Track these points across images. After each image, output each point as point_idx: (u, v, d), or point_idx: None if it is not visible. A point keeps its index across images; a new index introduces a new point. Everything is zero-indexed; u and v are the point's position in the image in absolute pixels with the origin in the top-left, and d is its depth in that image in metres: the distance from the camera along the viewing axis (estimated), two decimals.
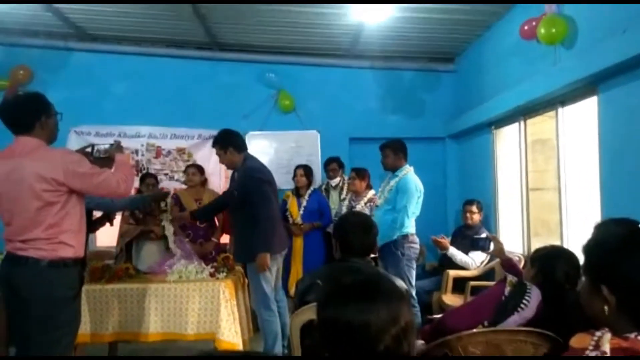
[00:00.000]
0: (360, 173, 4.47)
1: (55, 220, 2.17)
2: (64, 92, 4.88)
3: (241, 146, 3.42)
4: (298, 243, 4.49)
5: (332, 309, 1.03)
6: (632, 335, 0.95)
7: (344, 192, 4.73)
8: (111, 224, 3.11)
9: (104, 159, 2.53)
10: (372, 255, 3.39)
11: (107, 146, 2.63)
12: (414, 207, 3.67)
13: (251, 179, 3.31)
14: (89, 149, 2.61)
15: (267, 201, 3.29)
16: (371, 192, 4.45)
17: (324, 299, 1.08)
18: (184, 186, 4.71)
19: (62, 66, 5.29)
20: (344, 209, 4.44)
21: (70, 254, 2.22)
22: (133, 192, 4.38)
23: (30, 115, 2.23)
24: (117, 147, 2.60)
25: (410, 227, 3.66)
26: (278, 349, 3.36)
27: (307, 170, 4.64)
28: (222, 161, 3.55)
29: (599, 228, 1.64)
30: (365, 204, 4.37)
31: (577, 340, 1.02)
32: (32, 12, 4.56)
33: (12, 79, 5.07)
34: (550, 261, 2.03)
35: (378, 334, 0.95)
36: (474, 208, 4.56)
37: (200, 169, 4.44)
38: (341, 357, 0.98)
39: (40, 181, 2.13)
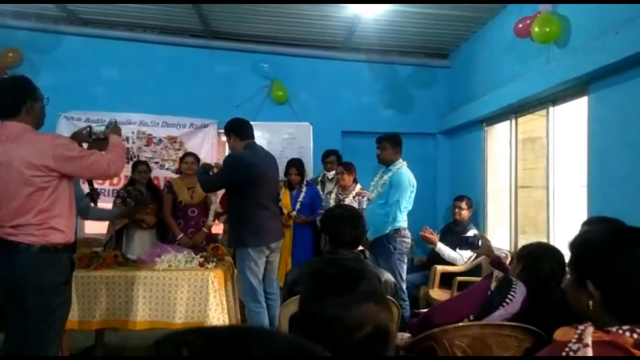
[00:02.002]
0: (347, 167, 4.47)
1: (45, 206, 2.15)
2: (54, 76, 4.83)
3: (243, 134, 3.37)
4: (287, 235, 4.49)
5: (309, 300, 1.05)
6: (614, 329, 0.98)
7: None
8: (95, 204, 3.05)
9: (101, 140, 2.51)
10: (360, 248, 3.41)
11: (103, 128, 2.61)
12: (407, 202, 3.69)
13: (226, 164, 3.34)
14: (86, 131, 2.58)
15: (219, 182, 3.34)
16: (358, 186, 4.46)
17: (304, 290, 1.10)
18: (174, 175, 4.69)
19: (52, 50, 5.22)
20: (332, 202, 4.44)
21: (61, 239, 2.21)
22: (124, 180, 4.36)
23: (16, 99, 2.19)
24: (113, 127, 2.57)
25: (402, 221, 3.69)
26: None
27: (300, 167, 4.61)
28: (229, 147, 3.55)
29: (586, 225, 1.66)
30: (354, 197, 4.38)
31: (561, 334, 1.04)
32: None
33: (0, 61, 4.98)
34: (536, 258, 2.06)
35: (346, 331, 0.96)
36: (464, 204, 4.60)
37: (197, 158, 4.41)
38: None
39: (30, 167, 2.11)
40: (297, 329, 1.79)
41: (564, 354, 0.99)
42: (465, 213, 4.59)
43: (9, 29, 5.07)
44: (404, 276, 3.75)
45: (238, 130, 3.38)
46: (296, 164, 4.61)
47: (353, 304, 0.98)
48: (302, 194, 4.56)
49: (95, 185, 2.99)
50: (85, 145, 2.52)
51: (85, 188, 3.08)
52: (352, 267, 1.18)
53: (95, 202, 2.98)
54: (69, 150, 2.20)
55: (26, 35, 5.13)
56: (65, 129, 4.58)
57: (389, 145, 3.78)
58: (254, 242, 3.28)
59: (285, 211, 4.48)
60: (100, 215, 3.63)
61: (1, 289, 2.24)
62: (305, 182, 4.67)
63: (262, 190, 3.32)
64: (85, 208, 3.10)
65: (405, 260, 3.75)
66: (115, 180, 4.78)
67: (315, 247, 4.48)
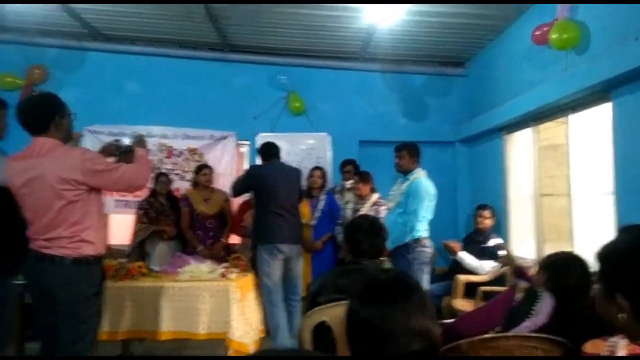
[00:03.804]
0: (363, 177, 4.47)
1: (76, 219, 2.21)
2: (78, 91, 4.96)
3: (265, 156, 4.02)
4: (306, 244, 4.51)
5: (367, 308, 1.01)
6: None
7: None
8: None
9: (128, 153, 2.58)
10: (382, 258, 3.41)
11: (129, 141, 2.68)
12: (426, 211, 3.65)
13: (244, 173, 4.13)
14: (113, 145, 2.67)
15: (238, 182, 3.99)
16: (375, 196, 4.45)
17: (356, 298, 1.06)
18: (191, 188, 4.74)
19: (76, 66, 5.37)
20: (349, 212, 4.44)
21: (92, 251, 2.26)
22: (147, 191, 4.44)
23: (45, 116, 2.26)
24: (139, 140, 2.63)
25: (422, 230, 3.65)
26: (280, 341, 3.60)
27: (323, 172, 4.68)
28: None
29: (622, 232, 1.63)
30: (371, 207, 4.37)
31: (591, 346, 1.03)
32: (47, 12, 4.63)
33: (28, 78, 5.15)
34: (562, 267, 2.04)
35: (404, 343, 0.95)
36: (486, 213, 4.55)
37: (212, 170, 4.48)
38: (363, 356, 0.98)
39: (61, 182, 2.17)
40: (326, 339, 1.79)
41: None
42: (488, 222, 4.54)
43: (35, 47, 5.23)
44: (427, 286, 3.72)
45: (262, 153, 4.08)
46: (320, 168, 4.72)
47: (413, 315, 0.96)
48: (322, 202, 4.58)
49: (119, 197, 3.06)
50: (112, 159, 2.59)
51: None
52: (406, 276, 1.15)
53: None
54: (97, 164, 2.26)
55: (51, 52, 5.29)
56: (90, 142, 4.69)
57: (407, 154, 3.77)
58: (263, 239, 3.75)
59: (304, 221, 4.51)
60: None
61: (36, 300, 2.31)
62: (325, 191, 4.69)
63: (272, 198, 3.77)
64: None
65: (427, 270, 3.70)
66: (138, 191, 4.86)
67: (335, 257, 4.49)
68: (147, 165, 2.52)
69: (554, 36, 3.46)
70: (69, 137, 2.40)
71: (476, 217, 4.62)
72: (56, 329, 2.24)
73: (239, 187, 3.98)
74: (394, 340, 0.96)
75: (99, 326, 2.45)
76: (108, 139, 5.04)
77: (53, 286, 2.21)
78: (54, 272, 2.20)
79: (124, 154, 2.60)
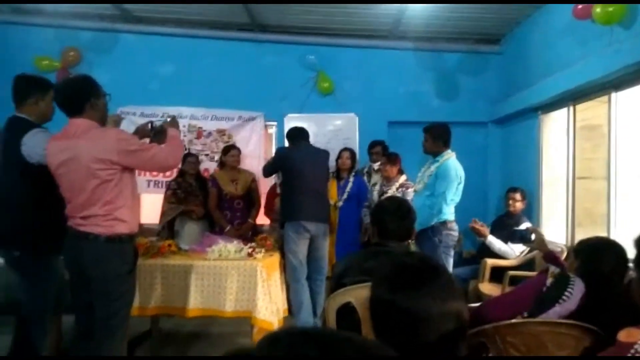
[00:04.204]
0: (391, 158, 4.40)
1: (110, 197, 2.27)
2: (111, 73, 5.04)
3: (292, 140, 4.10)
4: (332, 225, 4.52)
5: (393, 292, 0.99)
6: None
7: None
8: None
9: (160, 134, 2.63)
10: (409, 241, 3.37)
11: (161, 122, 2.73)
12: (453, 194, 3.58)
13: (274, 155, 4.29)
14: (147, 127, 2.71)
15: (268, 164, 4.20)
16: (403, 177, 4.38)
17: (382, 281, 1.05)
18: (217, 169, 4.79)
19: (109, 48, 5.47)
20: (375, 194, 4.40)
21: (125, 229, 2.33)
22: (175, 171, 4.52)
23: (80, 97, 2.32)
24: (172, 121, 2.67)
25: (449, 213, 3.59)
26: (303, 318, 3.69)
27: (352, 153, 4.65)
28: None
29: None
30: (397, 189, 4.30)
31: (626, 335, 0.99)
32: None
33: (63, 60, 5.28)
34: (596, 253, 1.96)
35: (432, 326, 0.93)
36: (518, 196, 4.42)
37: (239, 150, 4.51)
38: (389, 340, 0.97)
39: (96, 161, 2.23)
40: (351, 320, 1.78)
41: (629, 355, 0.94)
42: (519, 205, 4.42)
43: (69, 30, 5.35)
44: (450, 270, 3.67)
45: (289, 137, 4.16)
46: (350, 150, 4.71)
47: (445, 298, 0.96)
48: (350, 184, 4.56)
49: (150, 177, 3.11)
50: (146, 140, 2.64)
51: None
52: (430, 259, 1.13)
53: None
54: (131, 145, 2.31)
55: (85, 34, 5.40)
56: (123, 123, 4.78)
57: (430, 137, 3.68)
58: (289, 216, 3.82)
59: (331, 202, 4.50)
60: None
61: (72, 277, 2.41)
62: (353, 173, 4.66)
63: (299, 179, 3.82)
64: None
65: (451, 253, 3.66)
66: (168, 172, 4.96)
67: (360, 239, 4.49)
68: (178, 146, 2.56)
69: (597, 10, 3.27)
70: (105, 118, 2.46)
71: (507, 200, 4.50)
72: (91, 305, 2.33)
73: (269, 168, 4.15)
74: (430, 323, 0.96)
75: (131, 303, 2.53)
76: (140, 120, 5.16)
77: (88, 263, 2.29)
78: (88, 249, 2.28)
79: (156, 135, 2.65)
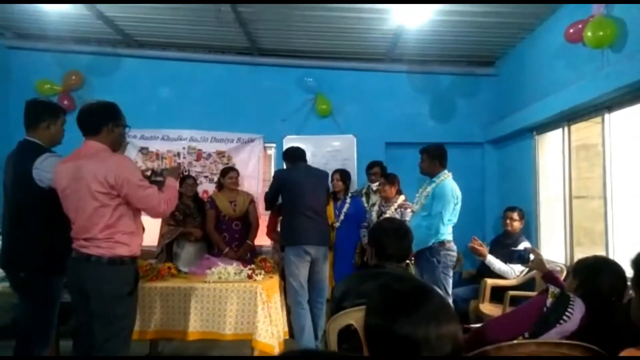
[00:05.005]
0: (389, 179, 4.43)
1: (111, 222, 2.29)
2: (112, 96, 4.95)
3: (289, 160, 4.12)
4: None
5: (389, 319, 1.00)
6: None
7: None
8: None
9: (159, 182, 2.66)
10: (407, 262, 3.38)
11: (162, 170, 2.81)
12: (450, 214, 3.61)
13: (273, 179, 4.18)
14: (148, 173, 2.79)
15: (269, 191, 4.13)
16: (401, 198, 4.41)
17: (376, 308, 1.05)
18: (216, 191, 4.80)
19: (110, 72, 5.54)
20: (374, 215, 4.41)
21: (126, 252, 2.34)
22: None
23: (100, 119, 2.38)
24: (173, 170, 2.75)
25: (446, 234, 3.61)
26: (304, 342, 3.65)
27: (343, 174, 4.64)
28: None
29: None
30: (396, 209, 4.33)
31: (628, 354, 1.00)
32: (83, 20, 4.80)
33: (64, 84, 5.34)
34: (594, 272, 1.97)
35: (430, 351, 0.94)
36: (515, 215, 4.45)
37: (238, 173, 4.53)
38: None
39: (95, 182, 2.26)
40: (352, 342, 1.78)
41: None
42: (517, 224, 4.44)
43: (71, 54, 5.43)
44: (450, 290, 3.66)
45: (286, 157, 4.17)
46: (340, 171, 4.67)
47: (440, 321, 0.96)
48: (347, 205, 4.58)
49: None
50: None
51: None
52: (421, 283, 1.14)
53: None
54: (131, 175, 2.33)
55: (86, 58, 5.47)
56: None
57: (427, 157, 3.74)
58: (290, 241, 3.82)
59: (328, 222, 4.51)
60: None
61: (73, 298, 2.41)
62: (349, 195, 4.68)
63: (298, 201, 3.82)
64: None
65: (451, 273, 3.66)
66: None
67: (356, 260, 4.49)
68: (172, 196, 2.56)
69: (589, 34, 3.35)
70: (119, 147, 2.51)
71: (505, 219, 4.52)
72: (91, 329, 2.32)
73: (269, 196, 4.11)
74: (428, 348, 0.95)
75: (133, 325, 2.53)
76: (140, 143, 5.23)
77: (88, 284, 2.30)
78: (90, 270, 2.29)
79: (155, 181, 2.66)
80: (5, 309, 3.36)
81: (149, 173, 2.77)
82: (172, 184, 2.62)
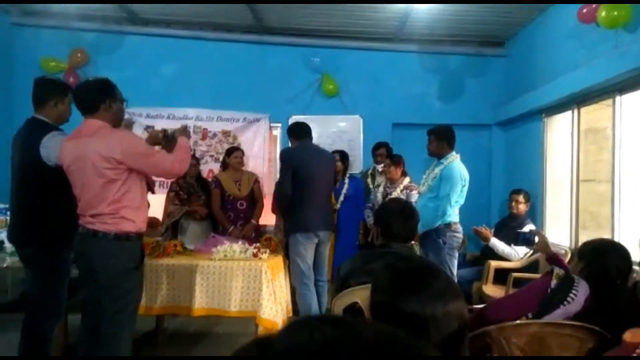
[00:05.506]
0: (395, 160, 4.41)
1: (117, 197, 2.31)
2: (117, 74, 4.98)
3: (296, 135, 3.86)
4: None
5: (396, 297, 1.01)
6: None
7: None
8: (152, 192, 3.18)
9: (171, 141, 2.66)
10: (412, 242, 3.39)
11: (173, 130, 2.77)
12: (458, 196, 3.60)
13: (280, 158, 3.88)
14: (159, 133, 2.77)
15: (280, 181, 3.76)
16: (407, 179, 4.39)
17: (384, 286, 1.05)
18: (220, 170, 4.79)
19: (115, 49, 5.50)
20: (379, 196, 4.41)
21: (132, 228, 2.37)
22: None
23: (97, 97, 2.38)
24: (182, 130, 2.72)
25: (453, 215, 3.60)
26: None
27: (342, 155, 4.61)
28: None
29: None
30: (402, 191, 4.32)
31: (631, 335, 1.00)
32: None
33: (70, 61, 5.32)
34: (600, 255, 1.97)
35: (437, 329, 0.94)
36: (521, 198, 4.43)
37: (243, 152, 4.53)
38: None
39: (101, 160, 2.27)
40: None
41: (634, 355, 0.95)
42: (522, 207, 4.43)
43: (77, 31, 5.39)
44: (455, 271, 3.68)
45: (292, 132, 3.92)
46: (339, 152, 4.63)
47: (447, 298, 0.97)
48: (346, 186, 4.57)
49: (155, 177, 3.13)
50: (157, 147, 2.68)
51: None
52: (426, 260, 1.14)
53: (152, 190, 3.09)
54: (137, 147, 2.36)
55: (92, 36, 5.43)
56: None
57: (435, 138, 3.70)
58: (302, 227, 3.65)
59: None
60: None
61: (81, 274, 2.45)
62: (348, 175, 4.66)
63: (310, 184, 3.65)
64: None
65: (456, 255, 3.67)
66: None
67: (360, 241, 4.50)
68: (185, 155, 2.58)
69: (603, 14, 3.28)
70: (119, 122, 2.51)
71: (510, 202, 4.51)
72: (99, 303, 2.36)
73: (285, 184, 3.66)
74: (435, 325, 0.96)
75: (139, 300, 2.57)
76: (145, 121, 5.21)
77: (95, 260, 2.33)
78: (97, 246, 2.33)
79: (167, 142, 2.68)
80: (15, 284, 3.42)
81: (160, 134, 2.75)
82: (184, 143, 2.62)
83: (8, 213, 3.03)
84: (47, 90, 2.63)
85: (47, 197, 2.55)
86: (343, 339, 0.45)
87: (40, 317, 2.57)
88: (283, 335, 0.48)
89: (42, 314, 2.58)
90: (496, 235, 4.29)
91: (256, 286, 3.15)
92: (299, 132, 3.86)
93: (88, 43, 5.40)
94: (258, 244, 3.47)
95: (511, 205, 4.49)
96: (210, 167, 5.14)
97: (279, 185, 3.81)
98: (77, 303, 2.66)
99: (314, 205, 3.67)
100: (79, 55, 5.33)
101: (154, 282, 3.18)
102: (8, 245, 3.14)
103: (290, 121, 5.18)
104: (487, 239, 4.22)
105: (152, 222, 3.63)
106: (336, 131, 5.47)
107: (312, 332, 0.46)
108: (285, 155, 3.79)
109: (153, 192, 3.20)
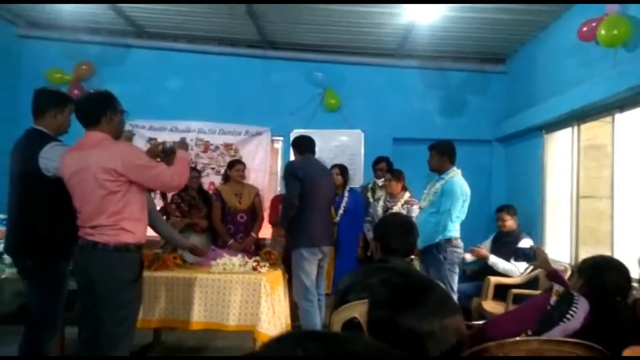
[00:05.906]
0: (395, 174, 4.42)
1: (117, 209, 2.31)
2: (122, 87, 5.08)
3: (300, 149, 3.89)
4: None
5: (394, 313, 1.00)
6: None
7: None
8: (167, 218, 3.18)
9: (170, 154, 2.68)
10: (411, 257, 3.38)
11: (173, 143, 2.80)
12: (459, 211, 3.59)
13: (284, 172, 3.90)
14: (159, 147, 2.79)
15: (289, 192, 3.68)
16: (407, 194, 4.40)
17: (382, 302, 1.05)
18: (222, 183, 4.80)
19: (120, 62, 5.56)
20: (379, 209, 4.41)
21: (131, 239, 2.37)
22: None
23: (98, 110, 2.40)
24: (182, 143, 2.75)
25: (454, 231, 3.60)
26: None
27: (342, 169, 4.64)
28: None
29: None
30: (403, 205, 4.32)
31: (631, 352, 0.99)
32: (95, 11, 4.82)
33: (75, 73, 5.38)
34: (600, 271, 1.96)
35: (435, 344, 0.94)
36: (505, 215, 4.41)
37: (244, 165, 4.55)
38: None
39: (102, 171, 2.28)
40: (376, 338, 1.79)
41: None
42: (510, 223, 4.41)
43: (83, 44, 5.46)
44: (455, 287, 3.65)
45: (296, 146, 3.95)
46: (339, 166, 4.66)
47: (444, 313, 0.96)
48: (345, 199, 4.58)
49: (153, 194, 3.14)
50: (156, 159, 2.69)
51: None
52: (422, 276, 1.13)
53: (168, 216, 3.09)
54: (137, 159, 2.37)
55: (97, 48, 5.50)
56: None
57: (436, 153, 3.71)
58: (308, 242, 3.63)
59: None
60: (168, 235, 3.48)
61: (80, 286, 2.44)
62: (348, 188, 4.68)
63: (315, 198, 3.66)
64: (155, 222, 3.17)
65: (457, 270, 3.66)
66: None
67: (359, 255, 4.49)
68: (184, 168, 2.59)
69: (602, 32, 3.32)
70: (120, 134, 2.53)
71: (497, 221, 4.48)
72: (97, 314, 2.35)
73: (293, 196, 3.61)
74: (433, 340, 0.96)
75: (137, 313, 2.55)
76: (149, 134, 5.26)
77: (94, 271, 2.33)
78: (96, 258, 2.32)
79: (166, 155, 2.70)
80: (13, 295, 3.41)
81: (160, 147, 2.77)
82: (183, 156, 2.64)
83: (5, 224, 3.03)
84: (46, 101, 2.64)
85: (45, 208, 2.55)
86: (326, 355, 0.45)
87: (39, 330, 2.56)
88: (265, 350, 0.48)
89: (39, 326, 2.56)
90: (493, 250, 4.28)
91: (255, 300, 3.13)
92: (302, 147, 3.88)
93: (93, 56, 5.47)
94: (257, 258, 3.47)
95: (498, 224, 4.47)
96: (211, 180, 5.16)
97: (287, 195, 3.73)
98: (74, 315, 2.64)
99: (319, 220, 3.68)
100: (84, 67, 5.39)
101: (152, 294, 3.16)
102: (6, 257, 3.14)
103: (292, 135, 5.22)
104: (485, 258, 4.21)
105: (196, 251, 3.58)
106: (337, 145, 5.49)
107: (295, 349, 0.46)
108: (292, 168, 3.79)
109: (168, 218, 3.07)
